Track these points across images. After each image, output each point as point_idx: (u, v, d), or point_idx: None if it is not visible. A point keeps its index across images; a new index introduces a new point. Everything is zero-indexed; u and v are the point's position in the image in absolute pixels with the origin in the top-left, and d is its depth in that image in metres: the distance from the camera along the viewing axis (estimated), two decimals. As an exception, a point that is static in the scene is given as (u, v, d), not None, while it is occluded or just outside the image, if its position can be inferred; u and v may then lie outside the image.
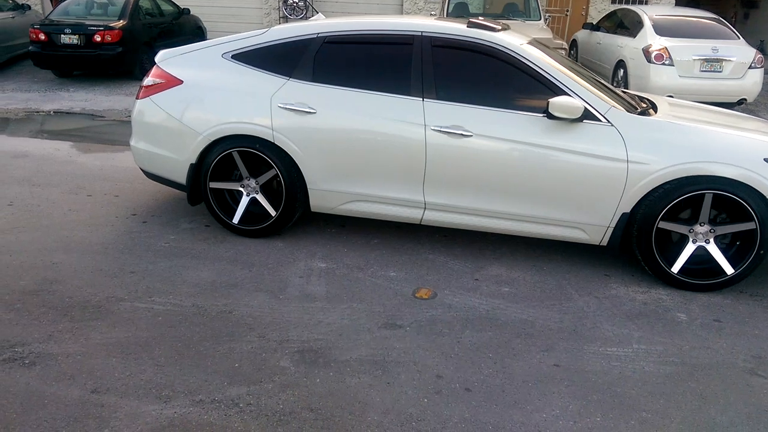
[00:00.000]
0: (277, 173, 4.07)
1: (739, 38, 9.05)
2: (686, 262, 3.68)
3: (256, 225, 4.24)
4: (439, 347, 3.01)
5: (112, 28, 9.82)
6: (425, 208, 3.95)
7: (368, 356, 2.92)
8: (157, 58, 4.37)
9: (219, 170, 4.21)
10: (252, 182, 4.20)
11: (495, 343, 3.06)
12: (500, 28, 4.03)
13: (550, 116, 3.60)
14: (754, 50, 8.76)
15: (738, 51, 8.66)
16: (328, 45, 4.04)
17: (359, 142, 3.89)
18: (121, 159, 6.16)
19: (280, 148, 4.01)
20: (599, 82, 4.18)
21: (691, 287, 3.69)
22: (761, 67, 8.74)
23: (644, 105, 4.10)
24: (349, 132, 3.89)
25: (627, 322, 3.32)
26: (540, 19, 10.54)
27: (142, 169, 4.50)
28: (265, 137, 4.00)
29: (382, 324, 3.20)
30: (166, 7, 11.94)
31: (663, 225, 3.62)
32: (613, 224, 3.72)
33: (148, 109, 4.25)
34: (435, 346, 3.01)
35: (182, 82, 4.15)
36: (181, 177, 4.25)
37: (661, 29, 9.11)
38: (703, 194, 3.52)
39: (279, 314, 3.27)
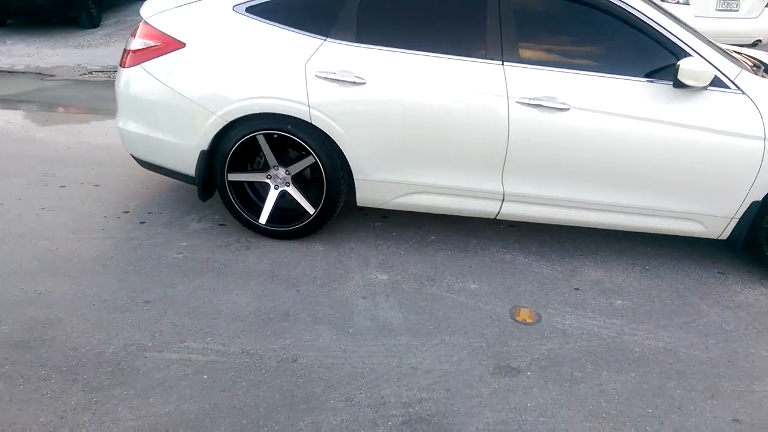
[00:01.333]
0: (316, 161, 3.23)
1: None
2: (822, 257, 3.10)
3: (288, 225, 3.41)
4: (580, 402, 2.34)
5: (51, -32, 8.40)
6: (503, 200, 3.21)
7: (498, 424, 2.22)
8: (143, 12, 3.37)
9: (238, 158, 3.33)
10: (281, 172, 3.35)
11: (647, 392, 2.41)
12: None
13: (678, 84, 2.86)
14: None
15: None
16: (375, -7, 3.14)
17: (421, 121, 3.08)
18: (90, 132, 5.13)
19: (320, 129, 3.15)
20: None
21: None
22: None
23: (760, 65, 3.40)
24: (409, 107, 3.07)
25: (778, 342, 2.72)
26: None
27: (134, 157, 3.56)
28: (299, 116, 3.13)
29: (495, 368, 2.51)
30: (110, -58, 10.42)
31: (803, 216, 3.00)
32: (739, 215, 3.07)
33: (140, 81, 3.29)
34: (575, 401, 2.34)
35: (184, 44, 3.19)
36: (188, 167, 3.36)
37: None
38: None
39: (357, 359, 2.53)
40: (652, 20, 2.97)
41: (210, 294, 2.94)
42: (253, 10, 3.20)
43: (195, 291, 2.96)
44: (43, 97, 6.34)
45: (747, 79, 2.96)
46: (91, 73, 7.28)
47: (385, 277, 3.14)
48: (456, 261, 3.31)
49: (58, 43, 8.48)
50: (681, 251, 3.48)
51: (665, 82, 2.95)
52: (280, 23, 3.17)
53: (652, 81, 2.97)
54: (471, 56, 3.06)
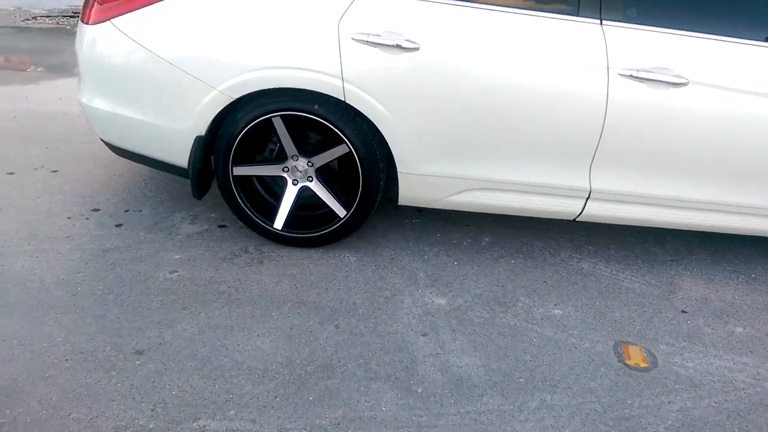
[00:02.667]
0: (350, 150, 2.47)
1: None
2: None
3: (310, 230, 2.68)
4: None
5: None
6: (588, 198, 2.53)
7: None
8: (110, -51, 2.48)
9: (244, 146, 2.55)
10: (302, 163, 2.59)
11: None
12: None
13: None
14: None
15: None
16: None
17: (491, 98, 2.34)
18: (40, 96, 4.19)
19: (356, 109, 2.39)
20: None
21: None
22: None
23: None
24: (476, 81, 2.33)
25: None
26: None
27: (106, 142, 2.74)
28: (329, 92, 2.35)
29: (622, 443, 1.89)
30: None
31: None
32: None
33: (110, 43, 2.44)
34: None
35: (172, -5, 2.34)
36: (179, 156, 2.57)
37: None
38: None
39: (438, 437, 1.87)
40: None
41: (222, 336, 2.22)
42: (262, -54, 2.35)
43: (202, 331, 2.23)
44: (-22, 48, 5.29)
45: None
46: (35, 18, 6.17)
47: (443, 301, 2.46)
48: (524, 274, 2.65)
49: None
50: (784, 252, 2.90)
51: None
52: (300, -35, 2.33)
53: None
54: (558, 12, 2.31)
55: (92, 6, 2.45)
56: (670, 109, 2.31)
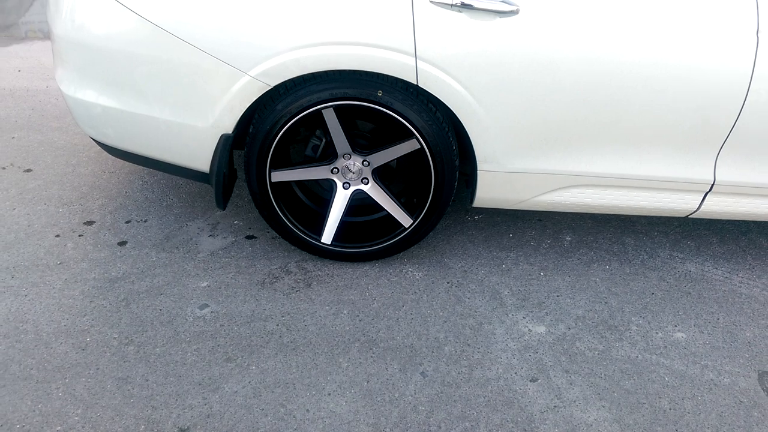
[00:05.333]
0: (422, 146, 1.95)
1: None
2: None
3: (366, 244, 2.18)
4: None
5: None
6: (709, 191, 2.08)
7: None
8: None
9: (283, 145, 2.00)
10: (356, 163, 2.06)
11: None
12: None
13: None
14: None
15: None
16: None
17: (607, 77, 1.83)
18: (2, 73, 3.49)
19: (430, 94, 1.86)
20: None
21: None
22: None
23: None
24: (588, 54, 1.81)
25: None
26: None
27: (98, 141, 2.14)
28: (398, 74, 1.81)
29: None
30: None
31: None
32: None
33: (103, 16, 1.82)
34: None
35: (184, -51, 1.72)
36: (199, 159, 2.01)
37: None
38: None
39: None
40: None
41: (285, 398, 1.74)
42: None
43: (257, 393, 1.74)
44: None
45: None
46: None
47: (542, 329, 2.01)
48: (625, 283, 2.22)
49: None
50: None
51: None
52: None
53: None
54: (692, -35, 1.78)
55: (72, -34, 1.81)
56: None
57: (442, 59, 1.80)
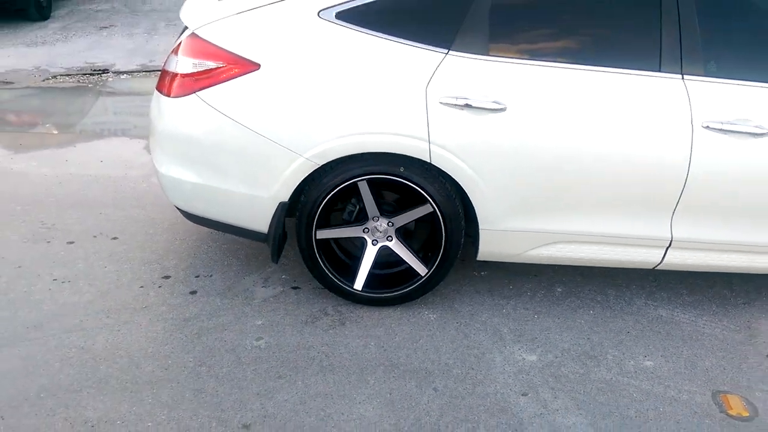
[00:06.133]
0: (434, 209, 2.50)
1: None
2: None
3: (390, 290, 2.69)
4: None
5: (-7, -49, 7.17)
6: (669, 247, 2.57)
7: None
8: (188, 19, 2.53)
9: (328, 209, 2.57)
10: (382, 224, 2.60)
11: None
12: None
13: None
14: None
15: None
16: (510, -9, 2.41)
17: (577, 153, 2.39)
18: (79, 160, 4.20)
19: (442, 170, 2.43)
20: None
21: None
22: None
23: None
24: (561, 138, 2.38)
25: None
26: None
27: (182, 210, 2.74)
28: (416, 155, 2.39)
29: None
30: None
31: None
32: None
33: (195, 115, 2.46)
34: None
35: (259, 66, 2.38)
36: (260, 223, 2.57)
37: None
38: None
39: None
40: None
41: (324, 404, 2.20)
42: (345, 17, 2.40)
43: (303, 401, 2.21)
44: (6, 111, 5.29)
45: None
46: (55, 77, 6.21)
47: (533, 357, 2.46)
48: (606, 324, 2.67)
49: (5, 42, 7.30)
50: None
51: None
52: (383, 32, 2.39)
53: None
54: (640, 68, 2.38)
55: (174, 78, 2.48)
56: (751, 158, 2.37)
57: (450, 144, 2.38)
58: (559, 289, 2.90)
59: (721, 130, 2.34)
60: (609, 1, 2.43)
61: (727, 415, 2.20)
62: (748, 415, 2.20)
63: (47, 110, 5.36)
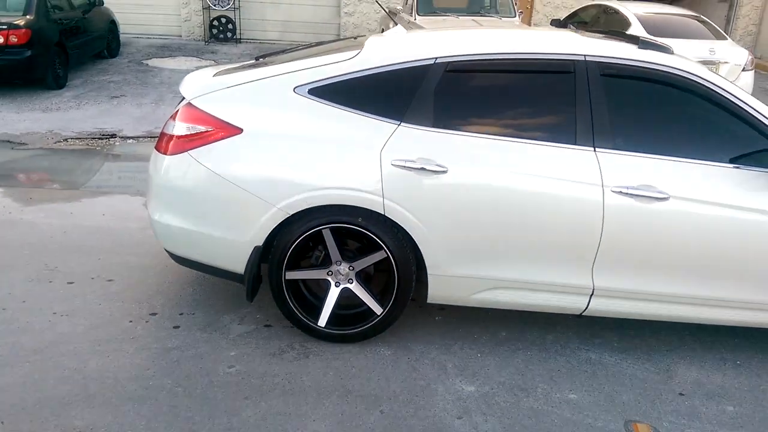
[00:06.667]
0: (387, 256, 2.89)
1: (726, 38, 8.75)
2: None
3: (350, 327, 3.05)
4: None
5: (18, 27, 7.87)
6: (592, 295, 2.95)
7: None
8: (186, 91, 3.01)
9: (297, 254, 2.96)
10: (344, 268, 2.99)
11: None
12: (671, 48, 3.07)
13: (785, 174, 2.72)
14: (746, 51, 8.47)
15: (732, 52, 8.32)
16: (452, 75, 2.90)
17: (508, 211, 2.81)
18: (83, 212, 4.62)
19: (394, 221, 2.84)
20: None
21: None
22: (752, 70, 8.47)
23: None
24: (495, 197, 2.80)
25: None
26: (515, 16, 9.77)
27: (171, 253, 3.13)
28: (372, 207, 2.81)
29: (642, 506, 2.19)
30: (75, -2, 9.95)
31: None
32: (843, 307, 2.91)
33: (185, 169, 2.90)
34: None
35: (241, 130, 2.84)
36: (237, 265, 2.96)
37: (651, 29, 8.58)
38: None
39: (484, 504, 2.16)
40: (752, 107, 2.85)
41: (283, 421, 2.52)
42: (316, 92, 2.89)
43: (264, 418, 2.53)
44: (17, 168, 5.77)
45: (844, 166, 2.85)
46: (66, 140, 6.73)
47: (472, 388, 2.79)
48: (540, 364, 3.00)
49: (23, 107, 7.89)
50: (764, 341, 3.29)
51: (764, 169, 2.81)
52: (347, 106, 2.87)
53: (752, 169, 2.82)
54: (559, 142, 2.84)
55: (170, 139, 2.94)
56: (656, 219, 2.79)
57: (400, 199, 2.81)
58: (503, 333, 3.25)
59: (628, 194, 2.77)
60: (533, 89, 2.92)
61: (635, 440, 2.52)
62: (653, 440, 2.52)
63: (57, 169, 5.83)
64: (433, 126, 2.85)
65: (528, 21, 13.91)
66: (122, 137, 6.90)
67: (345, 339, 3.06)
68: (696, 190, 2.79)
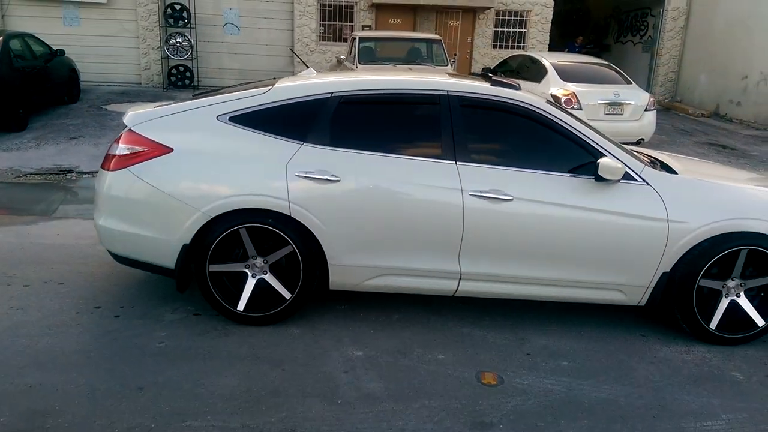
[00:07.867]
0: (294, 250, 3.56)
1: (631, 83, 9.85)
2: (721, 318, 3.72)
3: (265, 311, 3.67)
4: (550, 446, 2.71)
5: (-18, 74, 8.46)
6: (460, 279, 3.66)
7: (486, 469, 2.54)
8: (128, 121, 3.69)
9: (219, 250, 3.61)
10: (259, 261, 3.65)
11: (602, 433, 2.82)
12: (519, 85, 3.89)
13: (598, 178, 3.51)
14: (648, 94, 9.56)
15: (635, 95, 9.38)
16: (345, 105, 3.65)
17: (389, 212, 3.53)
18: (40, 233, 5.18)
19: (298, 221, 3.52)
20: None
21: (726, 341, 3.74)
22: (654, 109, 9.55)
23: (655, 161, 4.16)
24: (378, 201, 3.52)
25: (697, 389, 3.25)
26: (447, 65, 10.76)
27: (111, 252, 3.74)
28: (280, 210, 3.49)
29: (472, 424, 2.85)
30: (37, 48, 10.61)
31: (703, 282, 3.64)
32: (653, 284, 3.67)
33: (125, 183, 3.55)
34: (546, 445, 2.71)
35: (172, 149, 3.52)
36: (168, 260, 3.59)
37: (564, 75, 9.64)
38: (739, 250, 3.59)
39: (351, 426, 2.79)
40: (573, 128, 3.66)
41: (200, 377, 3.12)
42: (236, 119, 3.60)
43: (185, 375, 3.13)
44: (-20, 199, 6.28)
45: (649, 173, 3.66)
46: (25, 175, 7.28)
47: (360, 353, 3.44)
48: (421, 336, 3.67)
49: (-15, 147, 8.40)
50: (608, 318, 4.03)
51: (587, 176, 3.59)
52: (261, 130, 3.59)
53: (575, 176, 3.61)
54: (429, 157, 3.59)
55: (112, 158, 3.59)
56: (503, 215, 3.53)
57: (303, 202, 3.49)
58: (396, 316, 3.92)
59: (481, 196, 3.52)
60: (409, 116, 3.68)
61: (481, 383, 3.19)
62: (495, 383, 3.19)
63: (17, 200, 6.37)
64: (330, 145, 3.57)
65: (468, 70, 15.05)
66: (78, 172, 7.47)
67: (261, 321, 3.69)
68: (534, 193, 3.55)
